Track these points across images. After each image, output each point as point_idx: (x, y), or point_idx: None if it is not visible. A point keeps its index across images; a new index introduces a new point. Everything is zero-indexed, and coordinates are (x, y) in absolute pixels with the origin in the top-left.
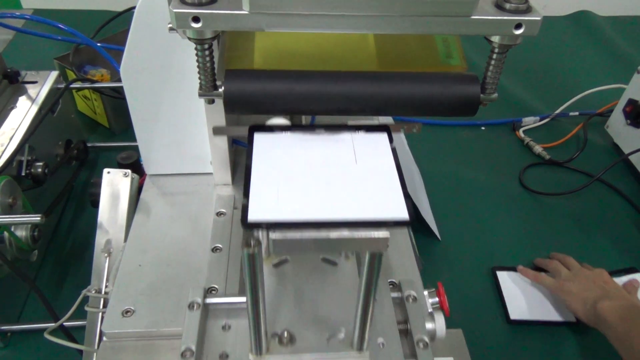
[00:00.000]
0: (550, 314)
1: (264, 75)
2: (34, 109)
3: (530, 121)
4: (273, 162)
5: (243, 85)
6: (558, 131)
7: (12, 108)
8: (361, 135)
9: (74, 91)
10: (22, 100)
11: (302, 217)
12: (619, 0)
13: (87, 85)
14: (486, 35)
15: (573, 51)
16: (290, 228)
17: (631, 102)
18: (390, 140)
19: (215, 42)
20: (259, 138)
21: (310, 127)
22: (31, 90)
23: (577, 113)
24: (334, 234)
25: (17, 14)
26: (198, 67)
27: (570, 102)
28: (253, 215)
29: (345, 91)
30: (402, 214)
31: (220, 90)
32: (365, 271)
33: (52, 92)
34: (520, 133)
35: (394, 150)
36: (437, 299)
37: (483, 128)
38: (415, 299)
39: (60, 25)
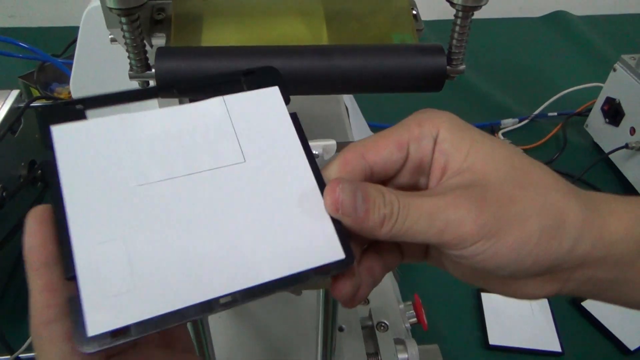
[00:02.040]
0: (533, 342)
1: (201, 52)
2: None
3: (509, 123)
4: (102, 183)
5: (178, 63)
6: (537, 132)
7: None
8: (239, 102)
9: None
10: None
11: (182, 301)
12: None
13: (49, 103)
14: None
15: (550, 51)
16: (167, 322)
17: (608, 101)
18: (286, 100)
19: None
20: (63, 138)
21: (145, 92)
22: None
23: (555, 113)
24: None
25: None
26: (126, 44)
27: (548, 102)
28: (96, 325)
29: (293, 66)
30: (334, 251)
31: (153, 71)
32: (321, 307)
33: (13, 111)
34: (500, 135)
35: (295, 121)
36: (413, 312)
37: None
38: (386, 327)
39: (21, 44)
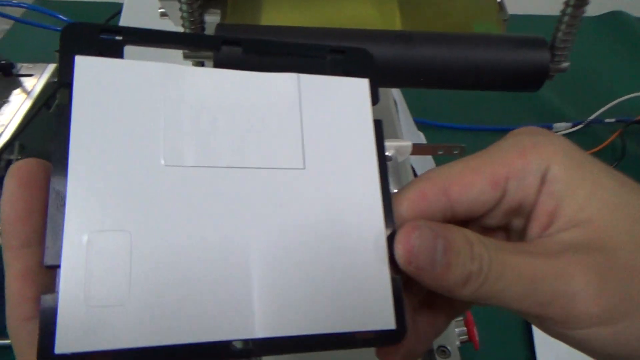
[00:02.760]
0: None
1: (265, 30)
2: (28, 103)
3: (561, 127)
4: (123, 149)
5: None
6: (593, 139)
7: (4, 102)
8: (316, 86)
9: None
10: (16, 94)
11: (190, 335)
12: None
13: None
14: None
15: (606, 54)
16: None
17: None
18: (374, 99)
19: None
20: (88, 76)
21: (205, 40)
22: (26, 83)
23: (613, 120)
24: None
25: (14, 1)
26: (182, 18)
27: (606, 107)
28: (66, 342)
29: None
30: (383, 318)
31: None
32: None
33: (49, 85)
34: None
35: (379, 131)
36: (464, 329)
37: None
38: (447, 353)
39: (60, 16)
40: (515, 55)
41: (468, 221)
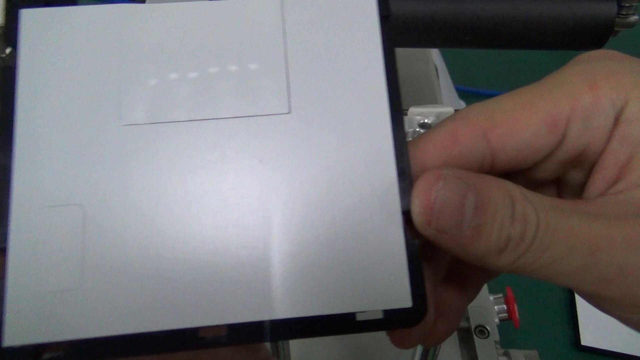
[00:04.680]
0: (632, 346)
1: None
2: None
3: None
4: (75, 111)
5: None
6: None
7: None
8: (303, 5)
9: None
10: None
11: (151, 323)
12: None
13: None
14: None
15: None
16: (119, 351)
17: None
18: (384, 10)
19: None
20: (35, 31)
21: None
22: None
23: None
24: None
25: None
26: None
27: None
28: (16, 333)
29: (405, 6)
30: (398, 293)
31: None
32: None
33: None
34: None
35: (389, 56)
36: (504, 306)
37: None
38: (486, 333)
39: None
40: (575, 6)
41: (511, 174)
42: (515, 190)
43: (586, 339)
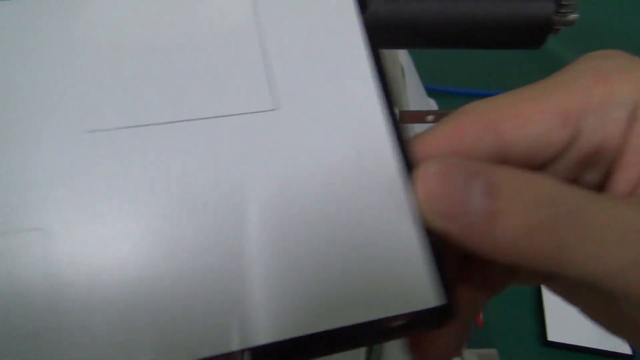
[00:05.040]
0: (599, 341)
1: None
2: None
3: None
4: (28, 119)
5: None
6: None
7: None
8: None
9: None
10: None
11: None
12: None
13: None
14: None
15: (623, 3)
16: None
17: None
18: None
19: None
20: None
21: None
22: None
23: None
24: None
25: None
26: None
27: None
28: None
29: None
30: (425, 292)
31: None
32: None
33: None
34: None
35: (374, 49)
36: None
37: None
38: None
39: None
40: (513, 5)
41: None
42: (537, 174)
43: (553, 335)
